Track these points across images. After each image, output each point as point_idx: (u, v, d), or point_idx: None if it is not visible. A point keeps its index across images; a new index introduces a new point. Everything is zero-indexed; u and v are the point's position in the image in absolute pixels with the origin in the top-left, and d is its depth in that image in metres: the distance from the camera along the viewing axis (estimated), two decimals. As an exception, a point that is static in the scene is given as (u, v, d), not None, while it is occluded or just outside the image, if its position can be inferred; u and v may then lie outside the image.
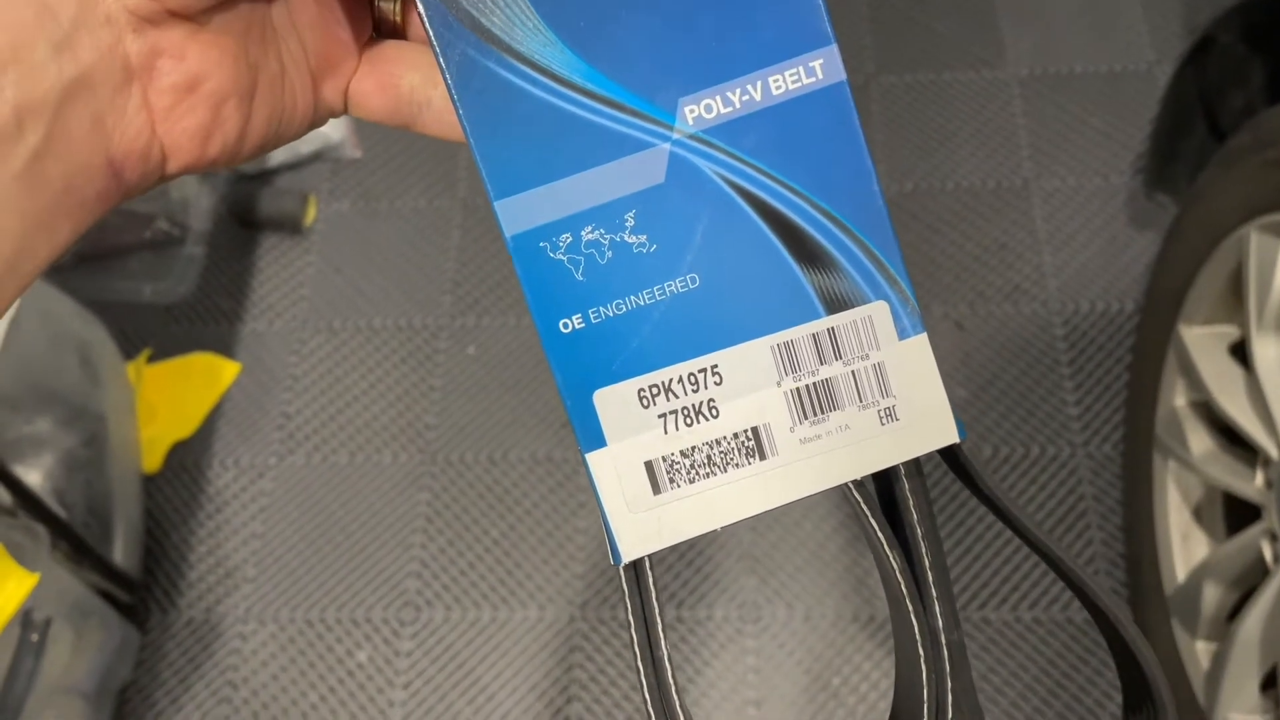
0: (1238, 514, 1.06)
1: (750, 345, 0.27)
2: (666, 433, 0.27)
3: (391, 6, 0.29)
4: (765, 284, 0.27)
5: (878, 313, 0.28)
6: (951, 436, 0.29)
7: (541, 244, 0.26)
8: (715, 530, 0.28)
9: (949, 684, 0.28)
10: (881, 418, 0.28)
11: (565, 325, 0.26)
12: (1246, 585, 1.00)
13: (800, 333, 0.27)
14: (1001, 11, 1.72)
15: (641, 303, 0.26)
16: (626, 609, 0.28)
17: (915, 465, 0.29)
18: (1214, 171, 1.02)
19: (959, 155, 1.58)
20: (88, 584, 1.17)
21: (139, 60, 0.24)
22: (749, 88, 0.26)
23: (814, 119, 0.27)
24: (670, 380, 0.27)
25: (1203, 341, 1.04)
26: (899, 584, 0.28)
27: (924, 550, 0.29)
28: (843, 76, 0.27)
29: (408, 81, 0.29)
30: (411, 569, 1.31)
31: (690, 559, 1.30)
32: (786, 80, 0.27)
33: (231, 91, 0.25)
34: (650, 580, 0.28)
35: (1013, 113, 1.62)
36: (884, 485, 0.30)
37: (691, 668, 1.23)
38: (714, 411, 0.27)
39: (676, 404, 0.27)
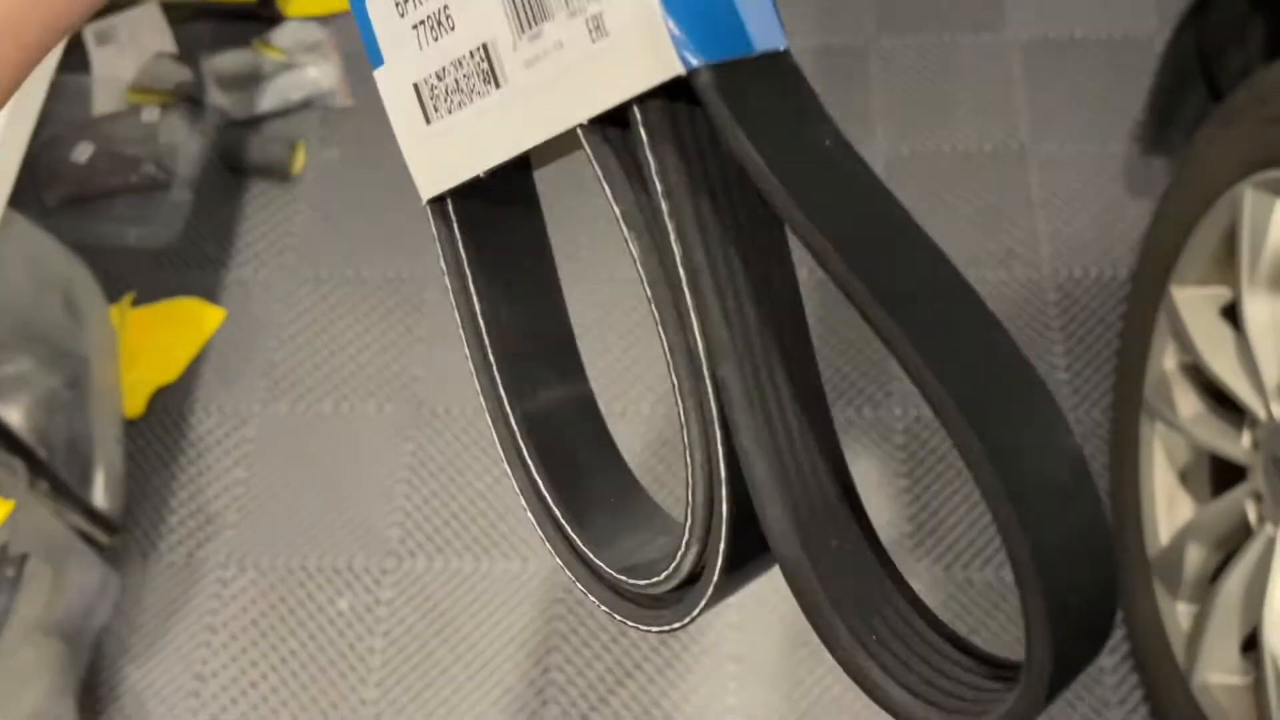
0: (1223, 478, 1.05)
1: None
2: (421, 49, 0.25)
3: None
4: None
5: None
6: (668, 67, 0.21)
7: None
8: (480, 176, 0.25)
9: (719, 443, 0.23)
10: (591, 31, 0.22)
11: None
12: (1229, 547, 1.00)
13: None
14: (1004, -25, 1.70)
15: None
16: (441, 264, 0.26)
17: (659, 111, 0.22)
18: (1211, 129, 1.01)
19: (957, 118, 1.57)
20: (68, 524, 1.17)
21: None
22: None
23: None
24: None
25: (1194, 302, 1.03)
26: (642, 276, 0.23)
27: (673, 235, 0.22)
28: None
29: None
30: (394, 519, 1.31)
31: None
32: None
33: None
34: (457, 231, 0.27)
35: (1012, 77, 1.60)
36: (618, 129, 0.23)
37: (672, 622, 1.23)
38: (449, 21, 0.24)
39: (420, 11, 0.25)
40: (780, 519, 0.23)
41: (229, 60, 1.56)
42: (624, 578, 0.27)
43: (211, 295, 1.46)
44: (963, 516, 1.28)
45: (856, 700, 1.17)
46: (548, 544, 0.28)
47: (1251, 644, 0.96)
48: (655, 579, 0.26)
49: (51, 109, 1.21)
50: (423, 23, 0.25)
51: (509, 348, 0.28)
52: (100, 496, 1.24)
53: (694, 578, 0.26)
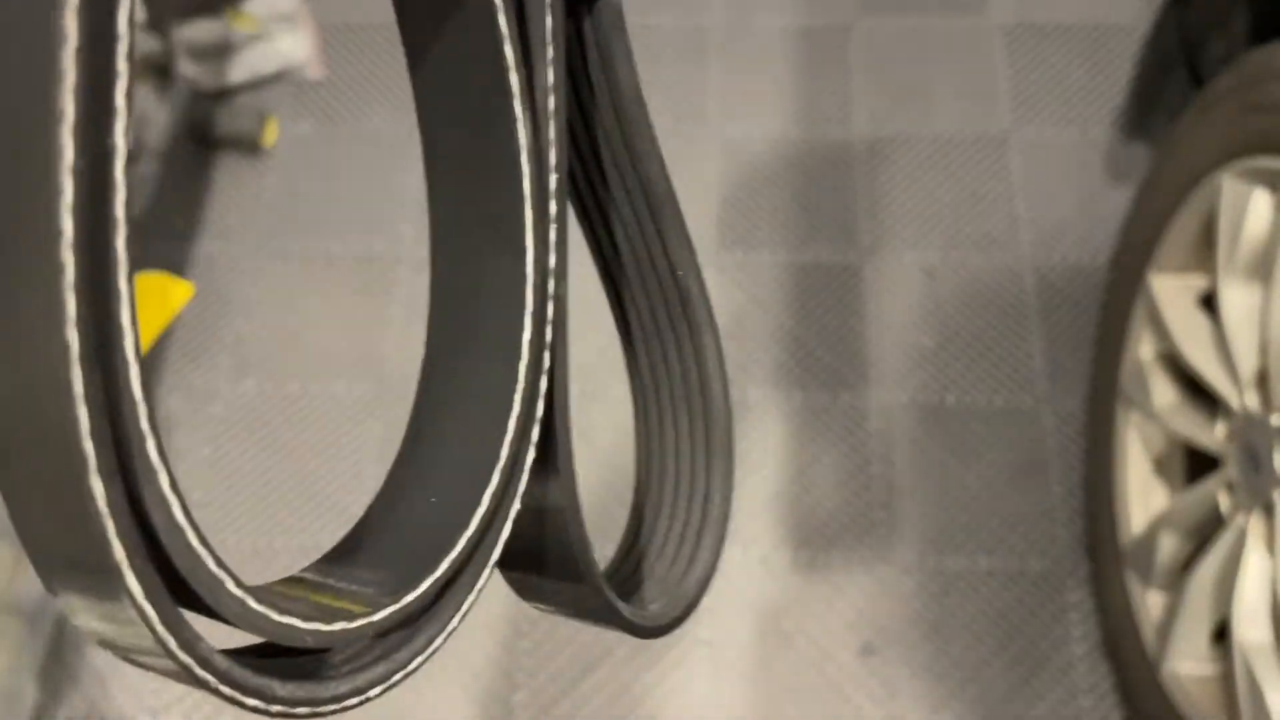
0: (1197, 467, 1.05)
1: None
2: None
3: None
4: None
5: None
6: None
7: None
8: None
9: (547, 346, 0.20)
10: None
11: None
12: (1202, 536, 0.99)
13: None
14: (988, -42, 1.69)
15: None
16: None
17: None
18: (1192, 116, 1.00)
19: (938, 102, 1.56)
20: (26, 501, 1.14)
21: None
22: None
23: None
24: None
25: (1172, 291, 1.03)
26: (524, 169, 0.19)
27: (548, 118, 0.19)
28: None
29: None
30: (363, 500, 1.28)
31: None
32: None
33: None
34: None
35: (995, 62, 1.59)
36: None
37: (643, 606, 1.22)
38: None
39: None
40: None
41: (200, 30, 1.53)
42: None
43: (179, 269, 1.43)
44: (938, 501, 1.27)
45: (826, 686, 1.17)
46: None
47: (1222, 634, 0.96)
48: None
49: (14, 76, 1.18)
50: None
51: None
52: (61, 474, 1.21)
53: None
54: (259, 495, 1.29)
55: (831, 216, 1.45)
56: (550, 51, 0.20)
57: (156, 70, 1.50)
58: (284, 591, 0.22)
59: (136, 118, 1.45)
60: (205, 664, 0.18)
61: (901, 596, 1.21)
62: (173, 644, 0.17)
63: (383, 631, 0.22)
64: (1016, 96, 1.56)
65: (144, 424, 0.17)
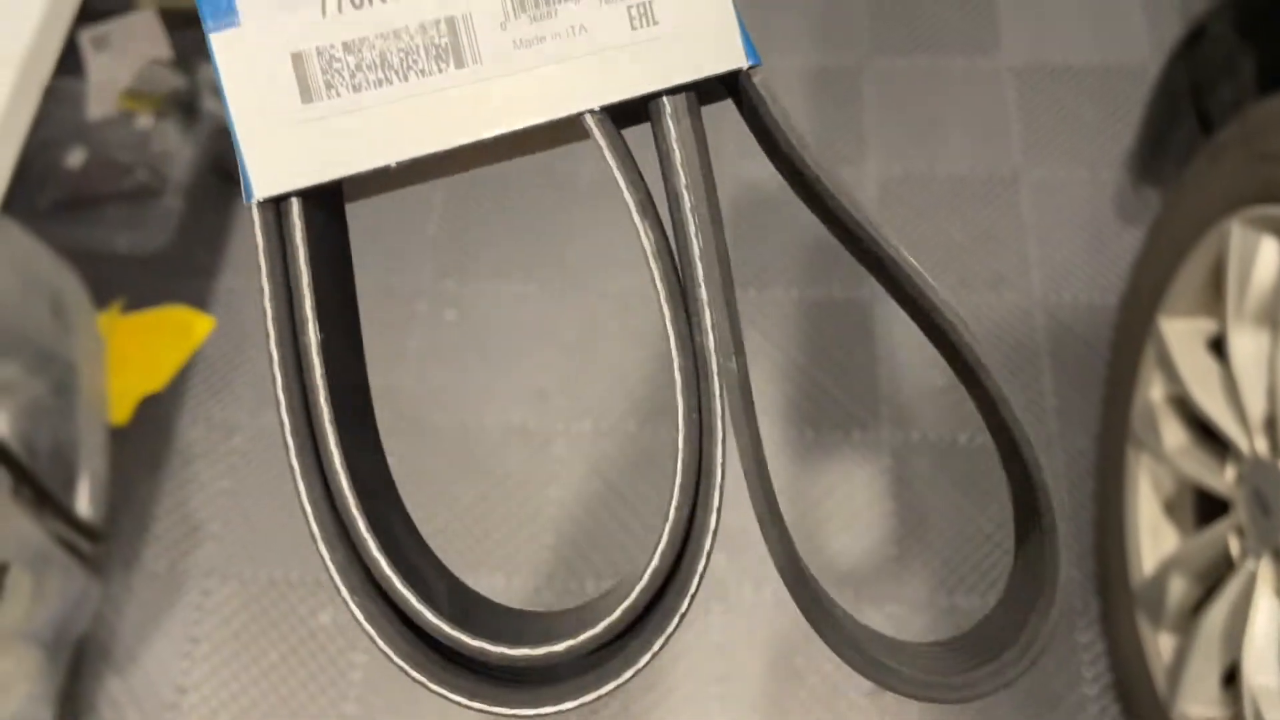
0: (1207, 509, 1.05)
1: None
2: (326, 14, 0.19)
3: None
4: None
5: None
6: (735, 59, 0.21)
7: None
8: (389, 166, 0.20)
9: (718, 436, 0.21)
10: (633, 18, 0.20)
11: None
12: (1212, 579, 1.00)
13: None
14: (1000, 0, 1.71)
15: None
16: (261, 270, 0.20)
17: (688, 102, 0.21)
18: (1201, 163, 1.01)
19: (950, 142, 1.58)
20: (49, 532, 1.16)
21: None
22: None
23: None
24: None
25: (1181, 334, 1.04)
26: (654, 270, 0.21)
27: (694, 226, 0.21)
28: None
29: None
30: (379, 532, 1.30)
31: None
32: None
33: None
34: (298, 236, 0.20)
35: (1005, 102, 1.61)
36: (632, 117, 0.21)
37: (656, 642, 1.23)
38: None
39: None
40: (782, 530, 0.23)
41: (224, 68, 1.56)
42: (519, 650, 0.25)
43: (201, 303, 1.46)
44: (949, 540, 1.28)
45: (838, 724, 1.17)
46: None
47: (1232, 678, 0.96)
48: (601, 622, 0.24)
49: (46, 112, 1.21)
50: None
51: (341, 398, 0.23)
52: (84, 504, 1.23)
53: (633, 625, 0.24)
54: (277, 527, 1.31)
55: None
56: (677, 157, 0.21)
57: (182, 107, 1.53)
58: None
59: (161, 153, 1.48)
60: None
61: (913, 634, 1.22)
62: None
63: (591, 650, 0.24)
64: (1027, 137, 1.57)
65: (353, 508, 0.23)
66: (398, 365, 1.41)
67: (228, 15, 0.19)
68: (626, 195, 0.21)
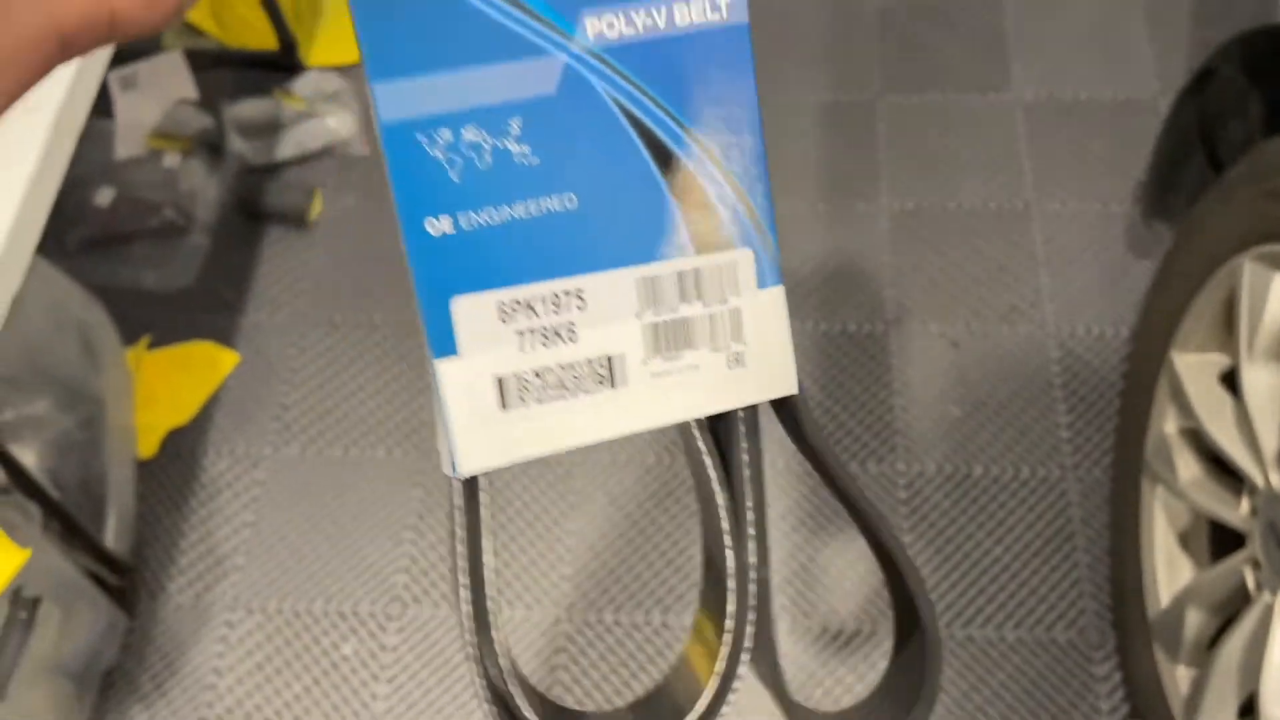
0: (1223, 541, 1.06)
1: (618, 274, 0.27)
2: (522, 350, 0.27)
3: None
4: (641, 214, 0.27)
5: (743, 260, 0.28)
6: (790, 388, 0.30)
7: (419, 136, 0.25)
8: (556, 452, 0.28)
9: (749, 615, 0.31)
10: (730, 362, 0.28)
11: (432, 226, 0.26)
12: (1228, 612, 1.00)
13: (667, 269, 0.27)
14: (1010, 37, 1.74)
15: (516, 215, 0.26)
16: (454, 527, 0.28)
17: (753, 411, 0.30)
18: (1211, 201, 1.03)
19: (962, 176, 1.60)
20: (78, 565, 1.18)
21: None
22: (654, 12, 0.26)
23: (713, 56, 0.26)
24: (533, 298, 0.27)
25: (1194, 369, 1.05)
26: (719, 520, 0.30)
27: (747, 491, 0.30)
28: (746, 19, 0.27)
29: None
30: (401, 564, 1.32)
31: (679, 564, 1.30)
32: (692, 11, 0.26)
33: None
34: (480, 501, 0.28)
35: (1017, 136, 1.63)
36: (717, 424, 0.31)
37: (675, 674, 1.24)
38: (572, 335, 0.27)
39: (536, 323, 0.27)
40: None
41: (250, 108, 1.59)
42: None
43: (226, 339, 1.48)
44: (966, 572, 1.29)
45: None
46: None
47: (1249, 710, 0.96)
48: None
49: (75, 152, 1.24)
50: (534, 332, 0.27)
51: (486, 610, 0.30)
52: (111, 537, 1.25)
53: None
54: (300, 559, 1.33)
55: (857, 287, 1.48)
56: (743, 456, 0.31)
57: (208, 146, 1.56)
58: None
59: (188, 191, 1.51)
60: None
61: (930, 666, 1.22)
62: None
63: None
64: (1039, 171, 1.59)
65: (489, 636, 0.29)
66: (419, 399, 1.43)
67: (451, 349, 0.27)
68: (712, 472, 0.30)
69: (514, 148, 0.25)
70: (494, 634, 0.28)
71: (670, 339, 0.28)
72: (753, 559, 0.31)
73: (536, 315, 0.27)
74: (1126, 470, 1.17)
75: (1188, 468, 1.06)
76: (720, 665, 0.31)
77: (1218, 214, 1.01)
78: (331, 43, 1.69)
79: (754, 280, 0.28)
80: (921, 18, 1.77)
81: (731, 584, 0.30)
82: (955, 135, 1.63)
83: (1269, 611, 0.91)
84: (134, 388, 1.36)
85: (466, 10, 0.24)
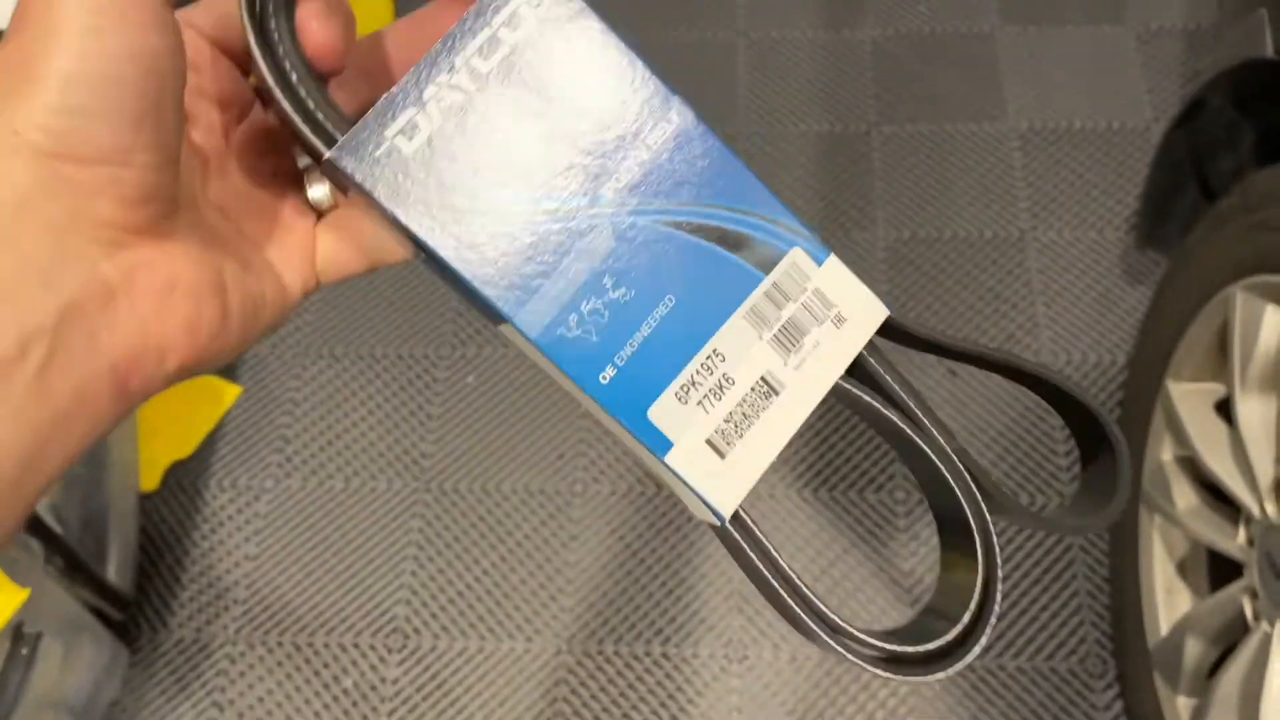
0: (1221, 570, 1.07)
1: (730, 322, 0.35)
2: (708, 413, 0.34)
3: (323, 197, 0.35)
4: (717, 277, 0.35)
5: (798, 257, 0.35)
6: (883, 313, 0.37)
7: (559, 331, 0.33)
8: (775, 457, 0.35)
9: (968, 472, 0.37)
10: (836, 323, 0.36)
11: (604, 377, 0.33)
12: (1227, 641, 1.01)
13: (757, 296, 0.35)
14: (1003, 66, 1.75)
15: (645, 334, 0.34)
16: (747, 559, 0.35)
17: (872, 345, 0.37)
18: (1203, 231, 1.04)
19: (957, 205, 1.61)
20: (80, 600, 1.18)
21: (117, 278, 0.28)
22: (638, 155, 0.34)
23: (690, 152, 0.35)
24: (691, 375, 0.34)
25: (1189, 398, 1.06)
26: (899, 429, 0.37)
27: (907, 397, 0.37)
28: (692, 114, 0.35)
29: (367, 232, 0.34)
30: (401, 596, 1.32)
31: (679, 595, 1.30)
32: (657, 137, 0.34)
33: (204, 286, 0.30)
34: (751, 519, 0.35)
35: (1011, 165, 1.64)
36: (861, 373, 0.38)
37: (676, 705, 1.24)
38: (731, 381, 0.35)
39: (704, 389, 0.34)
40: None
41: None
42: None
43: (228, 371, 1.49)
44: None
45: (859, 787, 1.17)
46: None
47: (1250, 740, 0.96)
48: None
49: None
50: (706, 396, 0.34)
51: None
52: (113, 572, 1.25)
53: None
54: (301, 592, 1.33)
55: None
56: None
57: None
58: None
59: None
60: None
61: (929, 695, 1.23)
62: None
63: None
64: (1034, 199, 1.61)
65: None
66: (419, 430, 1.44)
67: (667, 445, 0.34)
68: (875, 402, 0.37)
69: (616, 295, 0.34)
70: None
71: (790, 337, 0.35)
72: (941, 440, 0.37)
73: (701, 385, 0.34)
74: (1124, 498, 1.18)
75: (1184, 496, 1.07)
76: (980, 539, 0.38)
77: (1210, 244, 1.02)
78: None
79: (813, 264, 0.36)
80: (915, 48, 1.79)
81: (941, 464, 0.37)
82: (950, 164, 1.65)
83: (1267, 641, 0.92)
84: (136, 421, 1.36)
85: (530, 239, 0.33)
